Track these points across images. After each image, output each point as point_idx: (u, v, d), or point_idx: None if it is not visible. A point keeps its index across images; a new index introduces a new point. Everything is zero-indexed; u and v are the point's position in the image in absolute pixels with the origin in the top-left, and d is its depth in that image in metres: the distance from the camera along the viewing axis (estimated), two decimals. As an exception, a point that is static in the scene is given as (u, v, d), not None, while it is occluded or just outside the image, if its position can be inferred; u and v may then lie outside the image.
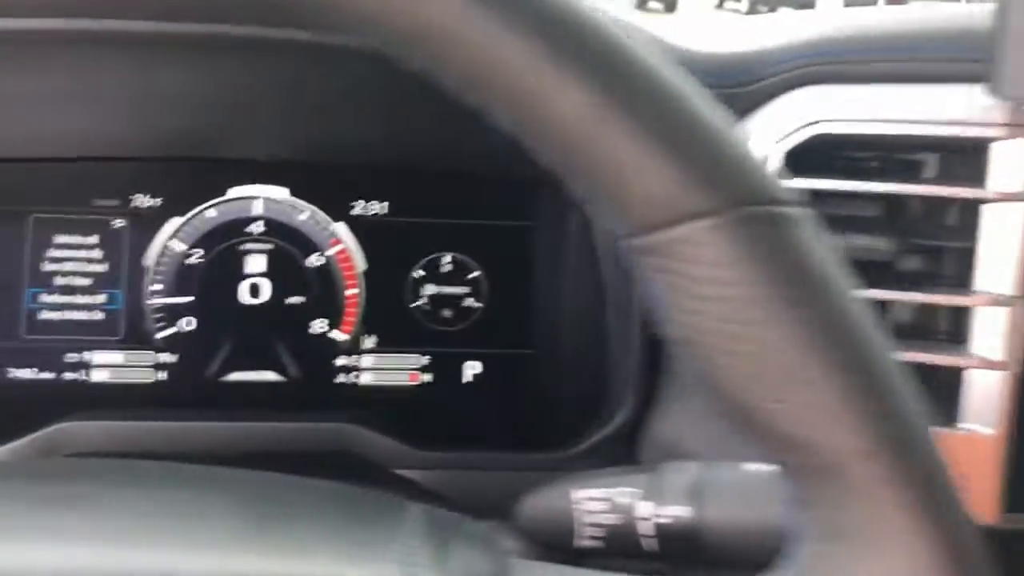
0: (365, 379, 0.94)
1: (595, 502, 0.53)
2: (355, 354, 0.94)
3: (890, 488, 0.33)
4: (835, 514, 0.34)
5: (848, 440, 0.33)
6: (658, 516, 0.52)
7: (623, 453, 0.82)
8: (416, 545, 0.35)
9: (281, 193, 0.95)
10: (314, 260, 0.94)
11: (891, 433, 0.33)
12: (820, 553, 0.35)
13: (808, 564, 0.36)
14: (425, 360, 0.95)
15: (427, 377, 0.95)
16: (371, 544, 0.35)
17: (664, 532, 0.51)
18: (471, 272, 0.96)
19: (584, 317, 0.93)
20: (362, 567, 0.34)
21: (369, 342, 0.95)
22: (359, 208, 0.96)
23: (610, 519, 0.53)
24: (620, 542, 0.52)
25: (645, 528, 0.52)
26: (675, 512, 0.51)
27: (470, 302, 0.96)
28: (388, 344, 0.95)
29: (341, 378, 0.94)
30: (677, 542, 0.51)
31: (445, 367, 0.95)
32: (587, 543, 0.53)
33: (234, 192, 0.94)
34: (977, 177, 0.70)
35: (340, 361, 0.94)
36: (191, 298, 0.92)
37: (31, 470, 0.46)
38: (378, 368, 0.95)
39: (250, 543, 0.35)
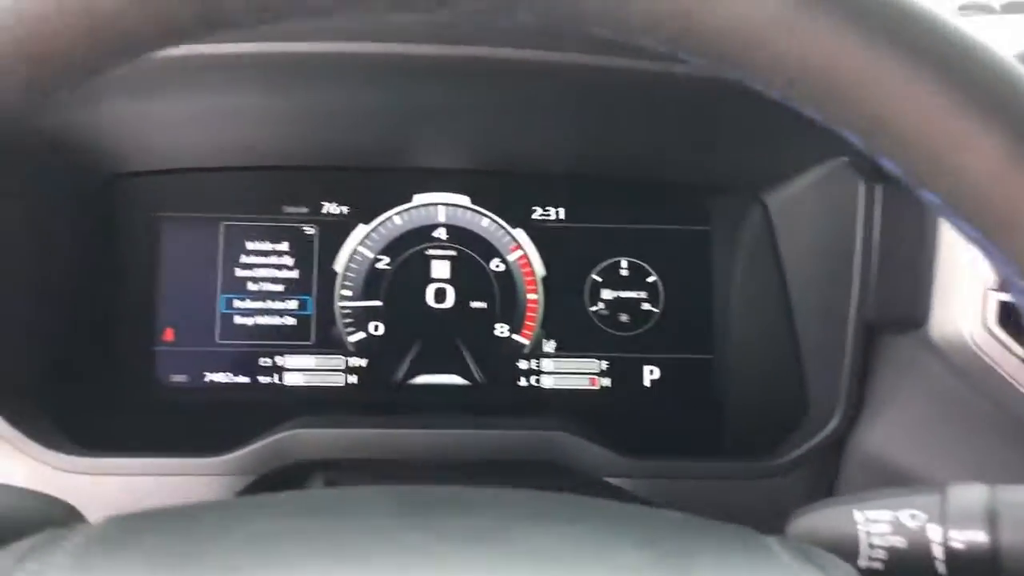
0: (547, 383, 0.96)
1: (880, 524, 0.53)
2: (536, 358, 0.96)
3: None
4: None
5: None
6: (950, 540, 0.52)
7: (830, 462, 0.82)
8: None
9: (462, 200, 0.96)
10: (496, 265, 0.96)
11: None
12: None
13: None
14: (604, 364, 0.96)
15: (606, 381, 0.96)
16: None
17: (955, 557, 0.51)
18: (648, 277, 0.97)
19: (765, 323, 0.93)
20: None
21: (549, 346, 0.96)
22: (538, 214, 0.97)
23: (895, 541, 0.53)
24: (906, 565, 0.53)
25: (934, 552, 0.52)
26: (969, 537, 0.51)
27: (648, 307, 0.97)
28: (568, 348, 0.96)
29: (523, 382, 0.96)
30: (970, 568, 0.51)
31: (624, 372, 0.96)
32: (871, 564, 0.53)
33: (418, 200, 0.96)
34: None
35: (522, 365, 0.96)
36: (380, 303, 0.94)
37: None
38: (559, 372, 0.96)
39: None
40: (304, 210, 0.95)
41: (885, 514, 0.54)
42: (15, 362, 0.78)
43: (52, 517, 0.53)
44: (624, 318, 0.97)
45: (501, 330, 0.96)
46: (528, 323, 0.96)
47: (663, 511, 0.44)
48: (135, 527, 0.40)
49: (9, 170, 0.77)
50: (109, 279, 0.90)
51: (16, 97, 0.32)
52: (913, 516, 0.54)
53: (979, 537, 0.51)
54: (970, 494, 0.53)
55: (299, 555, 0.35)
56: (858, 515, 0.55)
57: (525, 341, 0.96)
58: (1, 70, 0.31)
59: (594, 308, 0.97)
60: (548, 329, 0.96)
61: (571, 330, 0.96)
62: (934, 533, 0.52)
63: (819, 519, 0.56)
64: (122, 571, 0.35)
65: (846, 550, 0.54)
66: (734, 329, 0.96)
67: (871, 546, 0.54)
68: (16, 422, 0.76)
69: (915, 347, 0.79)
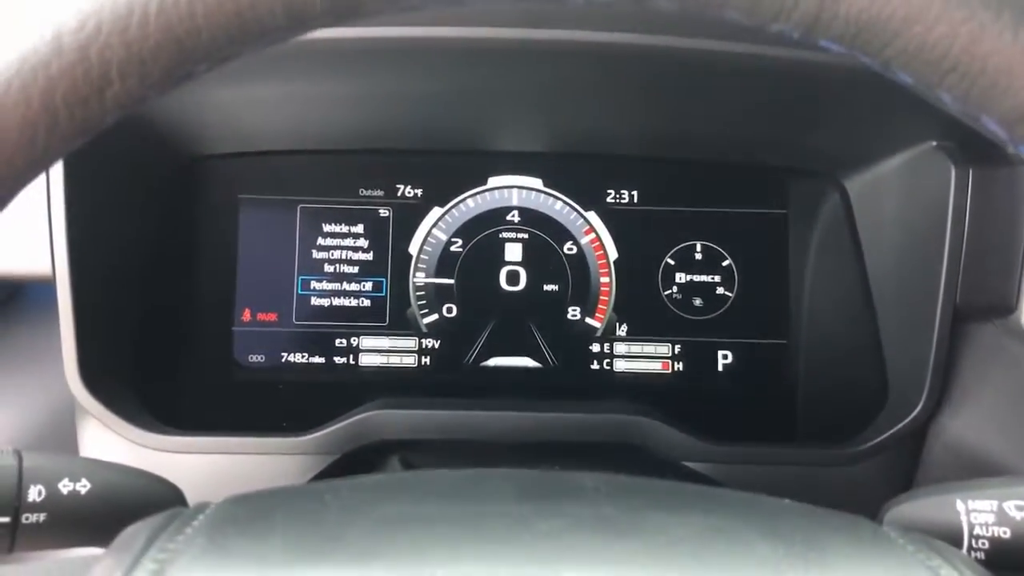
0: (619, 366, 0.96)
1: (984, 514, 0.53)
2: (608, 341, 0.96)
3: None
4: None
5: None
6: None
7: (911, 451, 0.81)
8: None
9: (534, 183, 0.96)
10: (568, 248, 0.96)
11: None
12: None
13: None
14: (677, 348, 0.96)
15: (679, 366, 0.96)
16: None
17: None
18: (723, 261, 0.96)
19: (842, 308, 0.92)
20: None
21: (621, 330, 0.96)
22: (611, 197, 0.96)
23: (999, 532, 0.52)
24: (1009, 556, 0.52)
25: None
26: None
27: (722, 291, 0.96)
28: (640, 332, 0.96)
29: (595, 365, 0.96)
30: (1078, 559, 0.50)
31: (697, 356, 0.96)
32: (974, 555, 0.53)
33: (492, 183, 0.96)
34: None
35: (594, 348, 0.96)
36: (453, 285, 0.95)
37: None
38: (631, 356, 0.96)
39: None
40: (379, 193, 0.96)
41: (990, 504, 0.53)
42: (103, 343, 0.80)
43: (161, 496, 0.54)
44: (698, 302, 0.96)
45: (573, 313, 0.96)
46: (600, 306, 0.96)
47: (776, 499, 0.44)
48: (260, 506, 0.40)
49: (95, 153, 0.79)
50: (189, 260, 0.92)
51: (160, 81, 0.33)
52: (1019, 507, 0.53)
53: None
54: None
55: (438, 540, 0.36)
56: (960, 504, 0.54)
57: (597, 324, 0.96)
58: (149, 55, 0.32)
59: (667, 292, 0.96)
60: (620, 312, 0.96)
61: (643, 314, 0.96)
62: (1040, 525, 0.51)
63: (919, 508, 0.55)
64: (260, 549, 0.35)
65: (947, 540, 0.53)
66: (810, 314, 0.95)
67: (974, 536, 0.53)
68: (106, 401, 0.78)
69: (1002, 334, 0.78)
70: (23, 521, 0.50)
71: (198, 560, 0.35)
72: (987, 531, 0.53)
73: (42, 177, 0.75)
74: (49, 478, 0.52)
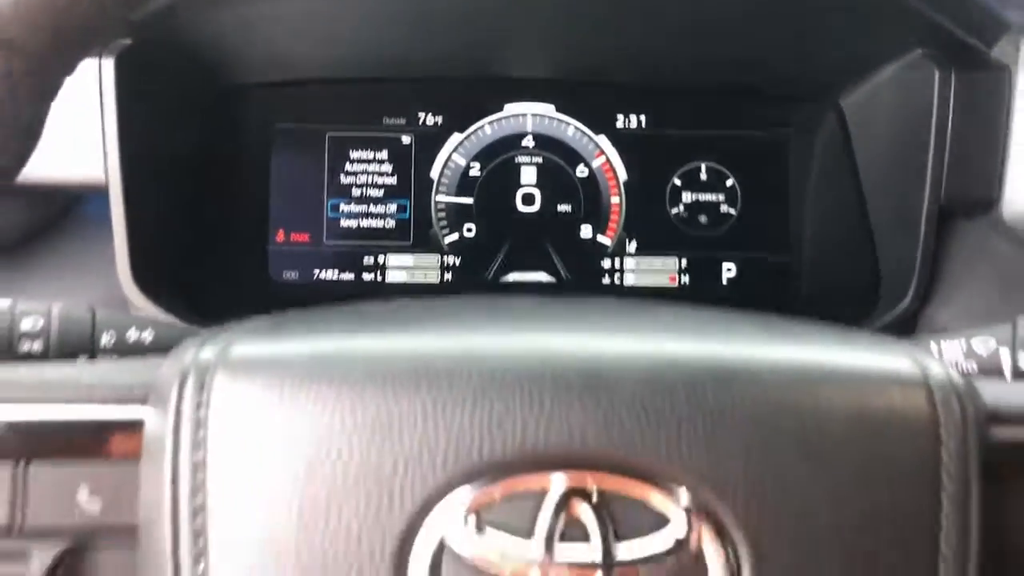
0: (628, 280, 1.02)
1: (954, 350, 0.58)
2: (618, 257, 1.02)
3: None
4: None
5: None
6: (1020, 362, 0.57)
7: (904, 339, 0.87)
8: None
9: (547, 109, 1.02)
10: (580, 171, 1.02)
11: None
12: None
13: None
14: (683, 262, 1.02)
15: (685, 279, 1.02)
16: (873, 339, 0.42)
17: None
18: (727, 180, 1.02)
19: (839, 220, 0.98)
20: (882, 352, 0.41)
21: (631, 246, 1.02)
22: (620, 122, 1.02)
23: (967, 366, 0.58)
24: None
25: (1005, 374, 0.57)
26: (1037, 358, 0.56)
27: (725, 209, 1.02)
28: (649, 248, 1.02)
29: (606, 279, 1.02)
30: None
31: (702, 270, 1.02)
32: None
33: (508, 109, 1.02)
34: None
35: (606, 263, 1.02)
36: (472, 206, 1.01)
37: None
38: (640, 270, 1.02)
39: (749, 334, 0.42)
40: (402, 121, 1.02)
41: (958, 342, 0.59)
42: (151, 252, 0.86)
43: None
44: (703, 219, 1.02)
45: (586, 231, 1.02)
46: (611, 225, 1.02)
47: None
48: (308, 314, 0.47)
49: (143, 76, 0.85)
50: (228, 183, 0.99)
51: None
52: (985, 342, 0.59)
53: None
54: None
55: (479, 317, 0.42)
56: (933, 345, 0.60)
57: (608, 241, 1.02)
58: None
59: (674, 210, 1.02)
60: (630, 230, 1.02)
61: (652, 231, 1.02)
62: (1004, 357, 0.57)
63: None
64: (317, 325, 0.42)
65: None
66: (809, 228, 1.00)
67: (945, 370, 0.59)
68: (155, 303, 0.84)
69: (987, 230, 0.83)
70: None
71: (259, 332, 0.42)
72: (957, 367, 0.58)
73: (96, 95, 0.82)
74: (119, 327, 0.59)
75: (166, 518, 0.38)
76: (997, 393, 0.43)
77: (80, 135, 0.83)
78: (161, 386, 0.40)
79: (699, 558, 0.36)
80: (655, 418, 0.37)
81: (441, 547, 0.36)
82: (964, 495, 0.38)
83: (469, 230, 1.02)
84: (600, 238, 1.02)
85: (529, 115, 1.02)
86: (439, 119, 1.02)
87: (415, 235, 1.02)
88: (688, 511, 0.36)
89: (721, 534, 0.36)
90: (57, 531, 0.41)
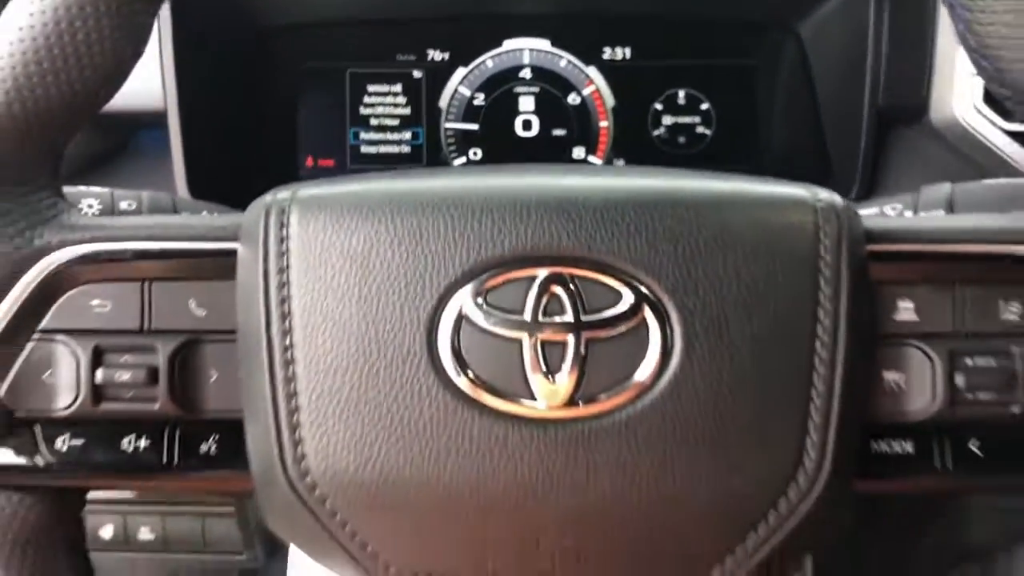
0: (617, 195, 1.15)
1: (869, 215, 0.72)
2: (608, 175, 1.15)
3: None
4: None
5: None
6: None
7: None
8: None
9: (543, 44, 1.15)
10: (572, 99, 1.15)
11: None
12: None
13: None
14: (665, 179, 1.15)
15: (667, 193, 1.15)
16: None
17: None
18: (702, 104, 1.15)
19: (799, 134, 1.11)
20: (786, 185, 0.55)
21: (619, 164, 1.16)
22: (608, 54, 1.15)
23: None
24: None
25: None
26: (933, 215, 0.70)
27: (701, 130, 1.15)
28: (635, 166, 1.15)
29: (597, 195, 1.15)
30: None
31: (682, 184, 1.15)
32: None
33: (507, 45, 1.15)
34: None
35: (596, 181, 1.15)
36: (477, 132, 1.15)
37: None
38: (627, 186, 1.15)
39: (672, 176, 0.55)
40: (413, 57, 1.15)
41: (874, 209, 0.73)
42: (203, 173, 1.01)
43: None
44: (681, 140, 1.15)
45: (578, 152, 1.15)
46: (601, 146, 1.15)
47: None
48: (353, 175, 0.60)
49: (191, 20, 0.99)
50: (263, 115, 1.12)
51: None
52: (893, 208, 0.72)
53: (941, 214, 0.70)
54: (937, 189, 0.72)
55: (488, 170, 0.56)
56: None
57: (598, 161, 1.15)
58: None
59: (656, 132, 1.15)
60: (617, 150, 1.15)
61: (638, 151, 1.15)
62: (907, 216, 0.71)
63: None
64: (370, 178, 0.55)
65: None
66: (776, 141, 1.14)
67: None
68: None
69: (920, 134, 0.97)
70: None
71: (318, 183, 0.56)
72: (871, 228, 0.72)
73: (155, 38, 0.96)
74: (193, 211, 0.73)
75: (261, 320, 0.52)
76: (878, 223, 0.57)
77: (140, 70, 0.96)
78: (249, 222, 0.55)
79: (641, 324, 0.50)
80: (612, 228, 0.51)
81: (460, 318, 0.50)
82: (836, 287, 0.51)
83: (475, 153, 1.15)
84: (591, 158, 1.15)
85: (526, 49, 1.15)
86: (446, 55, 1.15)
87: (427, 158, 1.15)
88: (635, 290, 0.50)
89: (658, 309, 0.50)
90: (174, 331, 0.55)
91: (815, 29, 1.08)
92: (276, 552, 1.10)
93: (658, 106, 1.15)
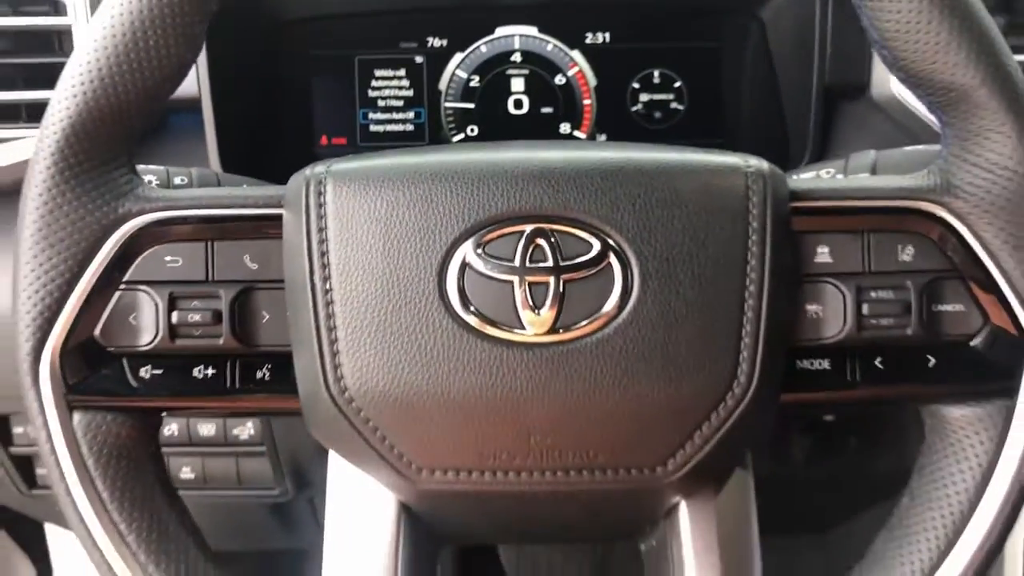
0: (600, 166, 1.28)
1: (806, 180, 0.85)
2: (591, 148, 1.28)
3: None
4: (963, 122, 0.65)
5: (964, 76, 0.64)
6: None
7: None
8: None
9: (531, 30, 1.28)
10: (559, 80, 1.28)
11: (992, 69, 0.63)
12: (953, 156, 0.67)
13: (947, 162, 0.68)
14: (643, 150, 1.28)
15: (645, 163, 1.28)
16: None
17: None
18: (675, 83, 1.28)
19: (762, 112, 1.24)
20: (724, 154, 0.68)
21: (601, 139, 1.28)
22: (590, 38, 1.28)
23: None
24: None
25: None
26: (855, 177, 0.83)
27: (675, 106, 1.28)
28: (615, 139, 1.28)
29: (582, 166, 1.28)
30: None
31: (658, 155, 1.28)
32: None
33: (499, 32, 1.28)
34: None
35: (581, 153, 1.28)
36: (473, 111, 1.28)
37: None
38: (609, 157, 1.28)
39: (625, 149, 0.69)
40: (414, 44, 1.28)
41: (811, 173, 0.86)
42: (232, 151, 1.13)
43: None
44: (657, 115, 1.28)
45: (564, 128, 1.28)
46: (584, 122, 1.28)
47: None
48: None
49: (219, 17, 1.11)
50: (282, 100, 1.25)
51: None
52: (827, 171, 0.86)
53: (866, 176, 0.83)
54: (864, 155, 0.85)
55: (488, 146, 0.69)
56: (795, 175, 0.87)
57: (583, 135, 1.28)
58: None
59: (634, 109, 1.28)
60: (600, 126, 1.28)
61: (618, 126, 1.28)
62: (839, 178, 0.84)
63: None
64: (390, 154, 0.69)
65: None
66: (741, 119, 1.27)
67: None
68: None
69: (864, 107, 1.10)
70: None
71: (348, 158, 0.69)
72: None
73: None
74: (235, 184, 0.86)
75: (305, 270, 0.65)
76: (802, 184, 0.71)
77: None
78: (292, 192, 0.68)
79: (607, 267, 0.64)
80: (584, 191, 0.64)
81: (464, 265, 0.64)
82: (762, 236, 0.65)
83: (472, 130, 1.28)
84: (576, 133, 1.28)
85: (516, 35, 1.28)
86: (444, 41, 1.28)
87: (430, 135, 1.28)
88: (602, 240, 0.64)
89: (620, 256, 0.64)
90: (233, 281, 0.69)
91: (774, 14, 1.21)
92: (303, 487, 1.24)
93: (636, 85, 1.28)
